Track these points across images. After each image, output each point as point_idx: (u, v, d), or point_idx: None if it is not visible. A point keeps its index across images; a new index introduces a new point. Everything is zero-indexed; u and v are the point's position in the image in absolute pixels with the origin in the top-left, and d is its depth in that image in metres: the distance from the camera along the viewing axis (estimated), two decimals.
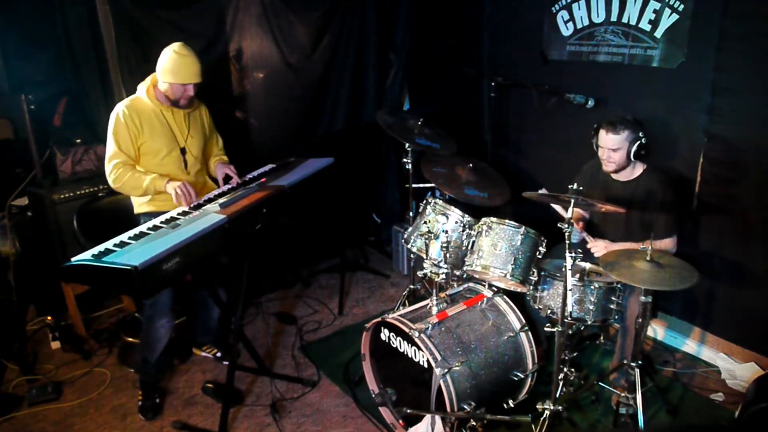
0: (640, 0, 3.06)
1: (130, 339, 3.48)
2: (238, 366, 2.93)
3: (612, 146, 2.79)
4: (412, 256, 3.32)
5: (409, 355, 2.58)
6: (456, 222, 2.94)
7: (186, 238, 2.35)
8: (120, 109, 2.77)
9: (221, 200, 2.70)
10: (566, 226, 2.44)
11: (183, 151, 2.92)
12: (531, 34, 3.70)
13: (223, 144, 3.25)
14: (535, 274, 2.74)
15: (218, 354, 3.39)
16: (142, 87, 2.85)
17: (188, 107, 2.93)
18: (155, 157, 2.85)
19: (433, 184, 3.28)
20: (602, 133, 2.82)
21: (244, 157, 3.91)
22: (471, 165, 3.34)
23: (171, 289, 2.88)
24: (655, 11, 3.01)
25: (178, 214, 2.63)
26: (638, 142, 2.76)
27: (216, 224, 2.49)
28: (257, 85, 3.98)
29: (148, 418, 2.91)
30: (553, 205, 3.02)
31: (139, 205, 2.94)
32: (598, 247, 2.81)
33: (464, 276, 2.96)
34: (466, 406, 2.41)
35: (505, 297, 2.84)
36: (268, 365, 3.28)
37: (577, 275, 2.67)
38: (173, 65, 2.72)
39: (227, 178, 3.05)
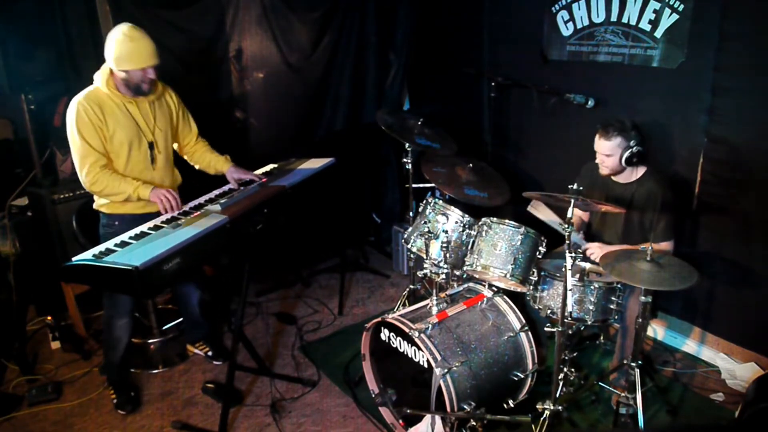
0: (640, 0, 3.06)
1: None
2: (238, 366, 2.93)
3: (604, 151, 2.80)
4: (412, 256, 3.32)
5: (409, 355, 2.58)
6: (456, 222, 2.94)
7: (187, 238, 2.35)
8: (78, 102, 2.54)
9: (222, 200, 2.70)
10: (566, 226, 2.44)
11: (151, 145, 2.73)
12: (531, 34, 3.70)
13: (223, 143, 3.21)
14: (535, 274, 2.75)
15: (209, 353, 3.39)
16: (100, 77, 2.62)
17: (152, 93, 2.72)
18: (120, 154, 2.66)
19: (433, 184, 3.28)
20: (596, 137, 2.83)
21: (244, 157, 3.92)
22: (471, 165, 3.34)
23: None
24: (655, 11, 3.01)
25: (163, 222, 2.57)
26: (629, 150, 2.76)
27: (217, 225, 2.50)
28: (257, 85, 3.98)
29: (128, 411, 2.92)
30: (540, 216, 2.98)
31: (105, 204, 2.76)
32: (593, 250, 2.81)
33: (464, 276, 2.95)
34: (466, 406, 2.41)
35: (505, 297, 2.84)
36: (268, 365, 3.28)
37: (577, 275, 2.67)
38: (127, 50, 2.52)
39: (242, 183, 3.01)
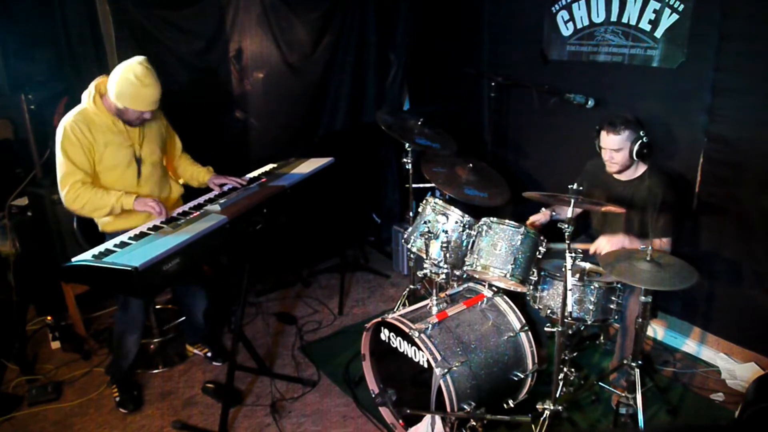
0: (640, 0, 3.06)
1: None
2: (238, 366, 2.93)
3: (614, 147, 2.78)
4: (412, 256, 3.32)
5: (409, 355, 2.58)
6: (456, 222, 2.94)
7: (187, 238, 2.35)
8: (67, 123, 2.54)
9: (222, 201, 2.70)
10: (566, 226, 2.44)
11: (138, 160, 2.72)
12: (531, 34, 3.70)
13: (223, 144, 3.20)
14: (535, 274, 2.74)
15: (209, 354, 3.39)
16: (87, 96, 2.61)
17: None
18: (113, 172, 2.65)
19: (433, 184, 3.28)
20: (603, 134, 2.81)
21: (244, 157, 3.93)
22: (471, 165, 3.34)
23: (143, 303, 2.85)
24: (655, 11, 3.01)
25: (163, 222, 2.56)
26: (639, 142, 2.75)
27: (217, 225, 2.50)
28: (257, 85, 3.98)
29: (129, 410, 2.93)
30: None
31: (105, 223, 2.75)
32: (601, 246, 2.79)
33: (464, 276, 2.95)
34: (466, 406, 2.41)
35: (505, 297, 2.84)
36: (268, 365, 3.28)
37: (577, 275, 2.67)
38: (134, 93, 2.52)
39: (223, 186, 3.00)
